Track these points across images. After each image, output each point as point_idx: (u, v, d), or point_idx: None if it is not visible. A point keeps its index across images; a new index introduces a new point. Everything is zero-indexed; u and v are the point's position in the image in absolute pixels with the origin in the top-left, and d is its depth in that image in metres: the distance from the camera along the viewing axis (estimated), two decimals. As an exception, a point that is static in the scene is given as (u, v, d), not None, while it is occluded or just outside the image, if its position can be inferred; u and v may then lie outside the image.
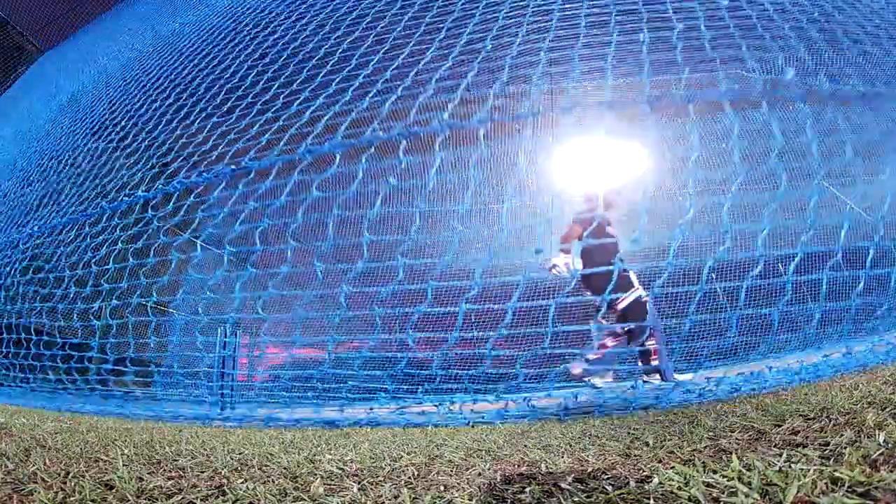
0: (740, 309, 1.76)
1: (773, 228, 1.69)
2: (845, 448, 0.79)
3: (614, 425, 1.55)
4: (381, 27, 3.20)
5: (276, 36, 3.80)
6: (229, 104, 3.36)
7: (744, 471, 0.74)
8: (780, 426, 1.08)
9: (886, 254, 3.70)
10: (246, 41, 4.00)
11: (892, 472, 0.65)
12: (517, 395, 2.71)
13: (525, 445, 1.27)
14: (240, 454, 1.26)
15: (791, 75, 2.07)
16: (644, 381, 2.98)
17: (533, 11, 2.96)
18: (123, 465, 1.02)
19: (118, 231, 2.97)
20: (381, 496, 0.82)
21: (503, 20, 2.83)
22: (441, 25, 2.84)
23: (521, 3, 3.08)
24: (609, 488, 0.76)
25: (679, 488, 0.71)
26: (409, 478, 0.95)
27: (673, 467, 0.82)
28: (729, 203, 1.76)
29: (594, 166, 4.72)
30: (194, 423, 2.36)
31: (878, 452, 0.73)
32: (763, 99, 1.66)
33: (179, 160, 3.54)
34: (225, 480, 0.93)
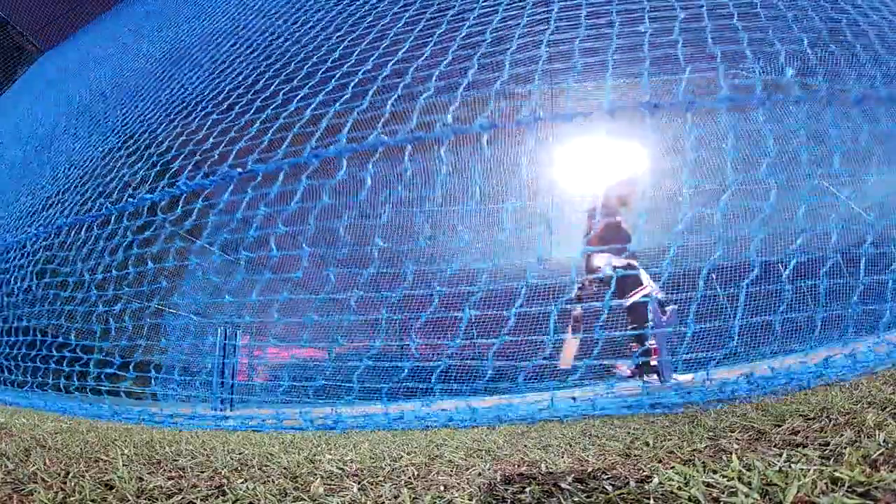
0: (782, 310, 1.73)
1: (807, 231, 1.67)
2: (845, 448, 0.79)
3: (614, 425, 1.55)
4: (383, 24, 3.20)
5: (275, 36, 3.80)
6: (229, 101, 3.35)
7: (744, 471, 0.74)
8: (780, 426, 1.08)
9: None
10: (245, 37, 4.00)
11: (892, 472, 0.65)
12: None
13: (525, 445, 1.27)
14: (240, 454, 1.26)
15: (791, 74, 2.06)
16: (644, 381, 2.98)
17: (533, 3, 2.96)
18: (123, 465, 1.03)
19: (129, 234, 2.92)
20: (381, 496, 0.82)
21: (502, 13, 2.82)
22: (441, 20, 2.84)
23: (520, 3, 3.07)
24: (609, 488, 0.76)
25: (679, 488, 0.71)
26: (409, 478, 0.95)
27: (673, 467, 0.82)
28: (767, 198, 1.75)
29: (593, 166, 4.72)
30: (202, 424, 2.36)
31: (878, 452, 0.73)
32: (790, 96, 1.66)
33: (181, 159, 3.53)
34: (225, 480, 0.93)
